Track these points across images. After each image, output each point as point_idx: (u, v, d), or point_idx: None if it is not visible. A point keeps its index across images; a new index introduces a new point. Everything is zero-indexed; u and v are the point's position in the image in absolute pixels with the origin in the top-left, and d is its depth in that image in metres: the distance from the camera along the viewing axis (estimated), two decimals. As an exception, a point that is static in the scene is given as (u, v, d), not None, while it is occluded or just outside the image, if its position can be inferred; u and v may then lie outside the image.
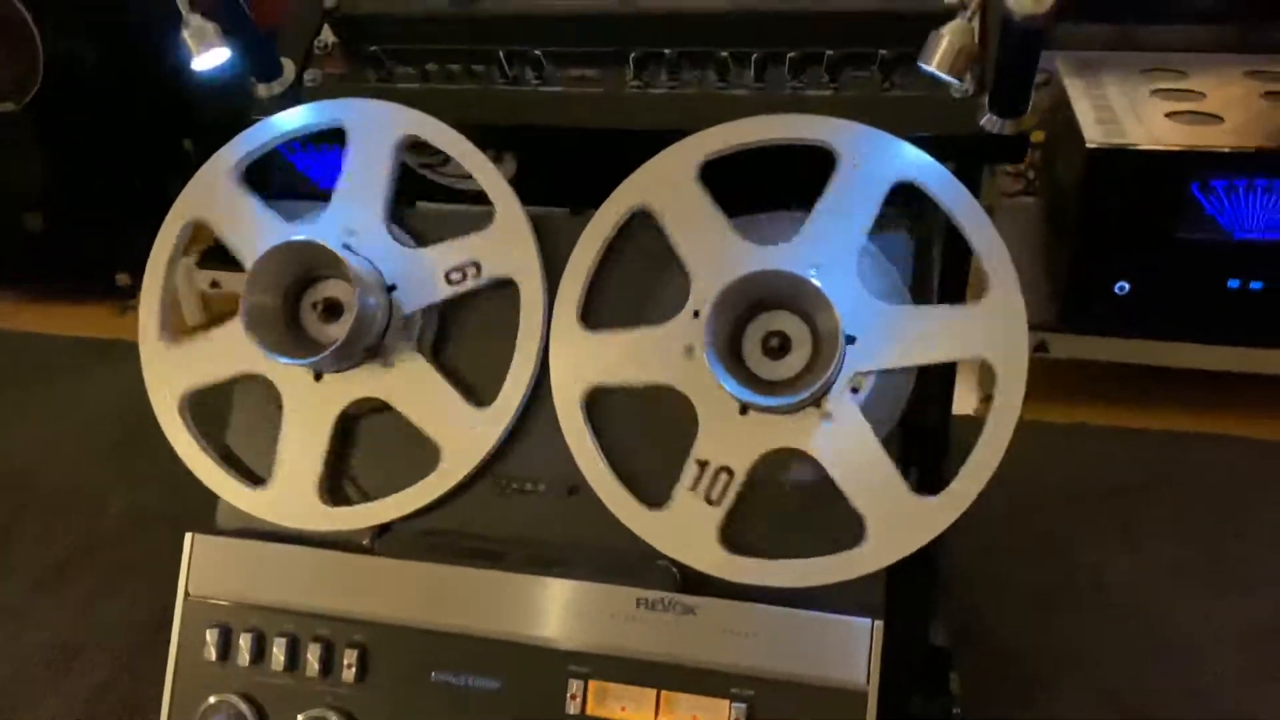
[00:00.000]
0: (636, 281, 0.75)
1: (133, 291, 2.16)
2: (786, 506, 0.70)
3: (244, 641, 0.73)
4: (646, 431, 0.72)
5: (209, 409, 0.82)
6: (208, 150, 0.81)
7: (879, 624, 0.65)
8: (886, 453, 0.67)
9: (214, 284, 1.97)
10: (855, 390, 0.68)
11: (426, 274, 0.75)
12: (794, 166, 0.72)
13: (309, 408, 0.74)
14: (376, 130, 0.77)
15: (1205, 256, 1.46)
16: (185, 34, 0.73)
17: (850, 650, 0.65)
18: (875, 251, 0.71)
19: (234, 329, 0.74)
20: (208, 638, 0.74)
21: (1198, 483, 1.43)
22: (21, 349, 1.97)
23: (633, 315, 0.73)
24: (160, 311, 0.79)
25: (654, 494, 0.70)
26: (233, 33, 0.78)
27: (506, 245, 0.75)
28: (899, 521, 0.66)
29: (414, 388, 0.74)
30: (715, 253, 0.70)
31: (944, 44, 0.64)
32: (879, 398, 0.68)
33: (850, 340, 0.66)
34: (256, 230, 0.76)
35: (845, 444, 0.67)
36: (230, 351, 0.75)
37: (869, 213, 0.69)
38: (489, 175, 0.76)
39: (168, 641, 1.24)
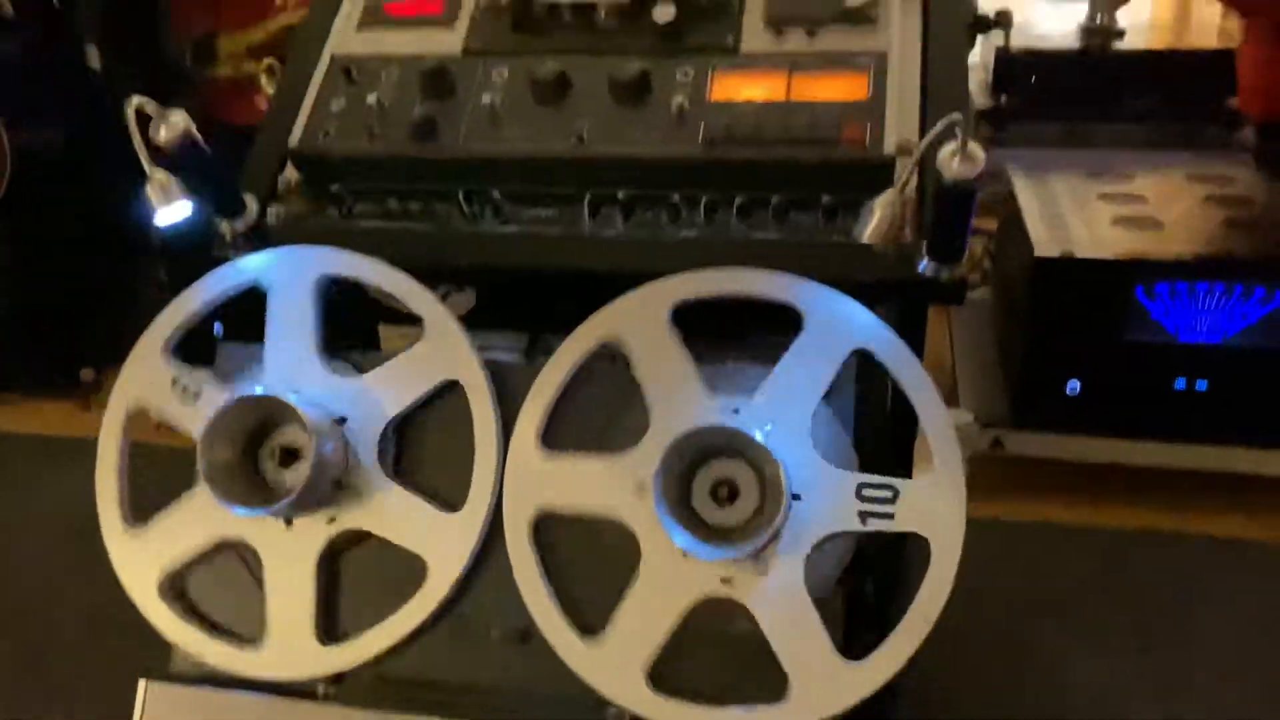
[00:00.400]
0: (598, 409, 0.76)
1: (97, 386, 2.15)
2: (724, 651, 0.71)
3: (196, 795, 0.73)
4: (590, 559, 0.73)
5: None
6: (175, 261, 0.82)
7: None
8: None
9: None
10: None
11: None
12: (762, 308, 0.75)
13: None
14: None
15: (1152, 358, 1.50)
16: (148, 190, 0.75)
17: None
18: (829, 414, 0.73)
19: (194, 502, 0.76)
20: (159, 788, 0.73)
21: (1151, 580, 1.46)
22: (-18, 446, 1.95)
23: (592, 441, 0.75)
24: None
25: (592, 623, 0.71)
26: (197, 175, 0.80)
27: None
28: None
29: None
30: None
31: (875, 218, 0.68)
32: (819, 557, 0.70)
33: (796, 498, 0.68)
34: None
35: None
36: (197, 524, 0.76)
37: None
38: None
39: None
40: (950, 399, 1.64)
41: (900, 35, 0.84)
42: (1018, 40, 2.02)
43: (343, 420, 0.76)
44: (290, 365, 0.77)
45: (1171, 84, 2.05)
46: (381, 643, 0.74)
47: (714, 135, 0.82)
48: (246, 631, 0.77)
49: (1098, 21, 2.19)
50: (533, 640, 0.72)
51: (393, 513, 0.75)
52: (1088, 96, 2.08)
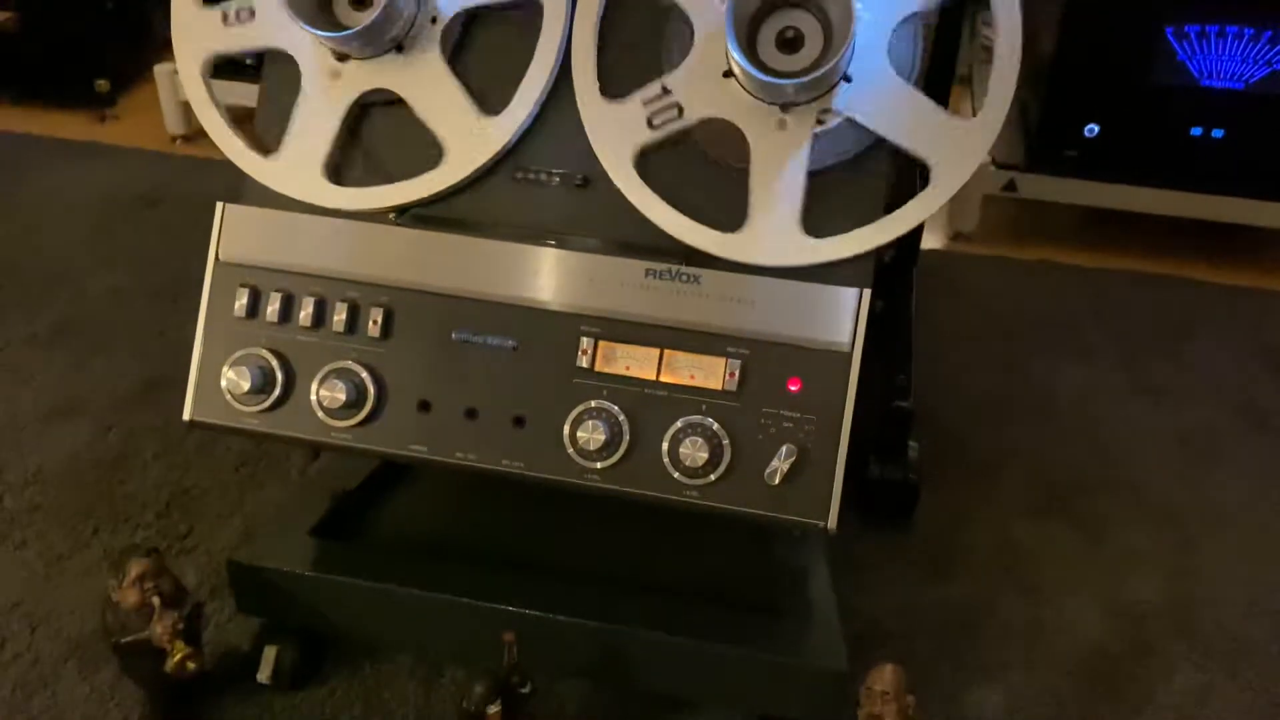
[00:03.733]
0: (640, 44, 0.77)
1: (111, 98, 2.15)
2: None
3: (272, 302, 0.77)
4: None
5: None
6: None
7: (867, 292, 0.71)
8: (806, 182, 0.72)
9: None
10: None
11: None
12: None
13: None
14: None
15: (1173, 102, 1.52)
16: None
17: (838, 316, 0.71)
18: (914, 33, 0.75)
19: (266, 3, 0.77)
20: (237, 298, 0.78)
21: (1143, 315, 1.52)
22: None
23: (648, 73, 0.76)
24: None
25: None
26: None
27: None
28: (781, 240, 0.73)
29: (429, 86, 0.77)
30: None
31: None
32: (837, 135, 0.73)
33: (848, 79, 0.71)
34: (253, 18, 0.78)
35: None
36: (259, 24, 0.78)
37: None
38: None
39: (155, 398, 1.29)
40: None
41: None
42: None
43: None
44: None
45: None
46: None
47: None
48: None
49: None
50: (594, 184, 0.76)
51: (434, 92, 0.77)
52: None
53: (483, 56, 0.79)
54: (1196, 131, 1.54)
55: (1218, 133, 1.53)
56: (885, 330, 1.07)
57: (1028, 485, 1.22)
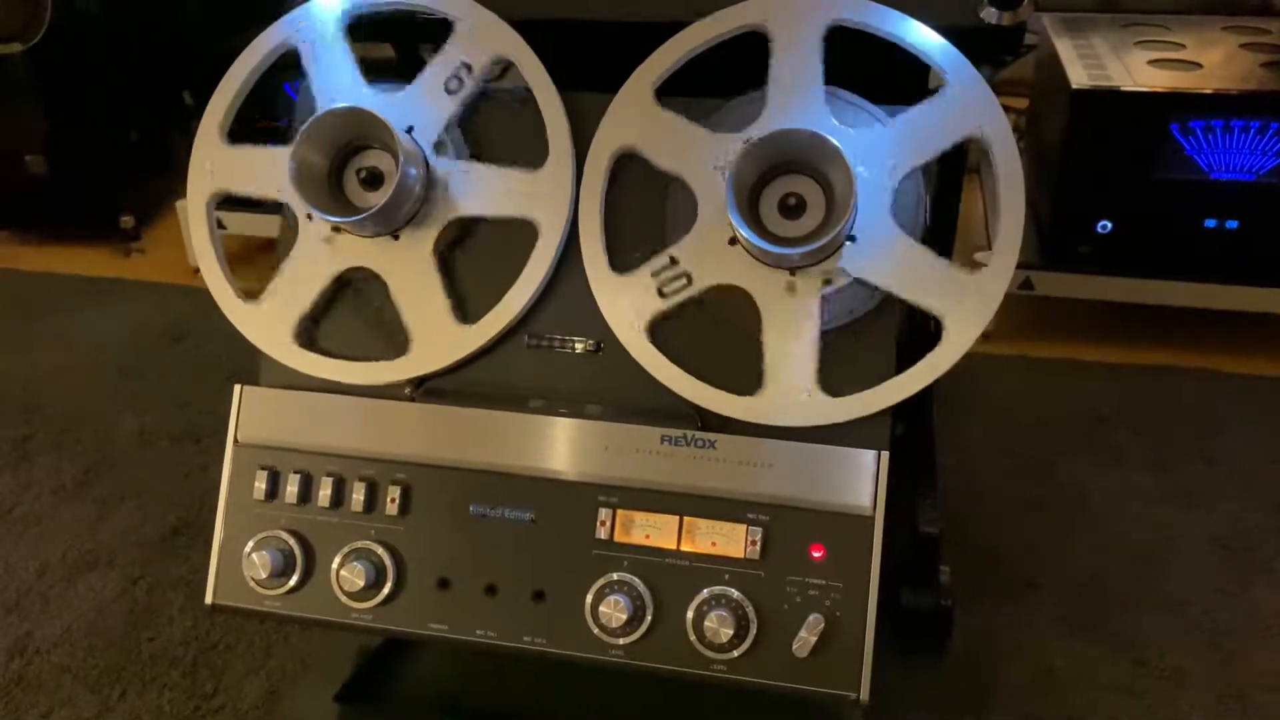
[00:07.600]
0: (646, 214, 0.78)
1: (136, 233, 2.19)
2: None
3: (291, 483, 0.77)
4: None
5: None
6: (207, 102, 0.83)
7: (885, 455, 0.70)
8: (818, 341, 0.72)
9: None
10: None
11: (429, 102, 0.78)
12: (745, 52, 0.76)
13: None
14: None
15: (1184, 196, 1.52)
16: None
17: (858, 479, 0.71)
18: (839, 93, 0.76)
19: (298, 258, 0.79)
20: (256, 480, 0.78)
21: (1168, 410, 1.50)
22: (27, 287, 2.00)
23: (657, 243, 0.77)
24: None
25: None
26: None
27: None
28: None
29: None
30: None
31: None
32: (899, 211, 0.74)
33: (851, 239, 0.71)
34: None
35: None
36: (270, 173, 0.79)
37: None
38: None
39: (182, 545, 1.29)
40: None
41: None
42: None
43: (410, 129, 0.78)
44: (423, 111, 0.79)
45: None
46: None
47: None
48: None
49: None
50: (605, 350, 0.76)
51: (485, 190, 0.77)
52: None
53: (475, 261, 0.80)
54: (1210, 223, 1.54)
55: (1232, 224, 1.53)
56: (908, 453, 1.06)
57: (1064, 602, 1.19)
